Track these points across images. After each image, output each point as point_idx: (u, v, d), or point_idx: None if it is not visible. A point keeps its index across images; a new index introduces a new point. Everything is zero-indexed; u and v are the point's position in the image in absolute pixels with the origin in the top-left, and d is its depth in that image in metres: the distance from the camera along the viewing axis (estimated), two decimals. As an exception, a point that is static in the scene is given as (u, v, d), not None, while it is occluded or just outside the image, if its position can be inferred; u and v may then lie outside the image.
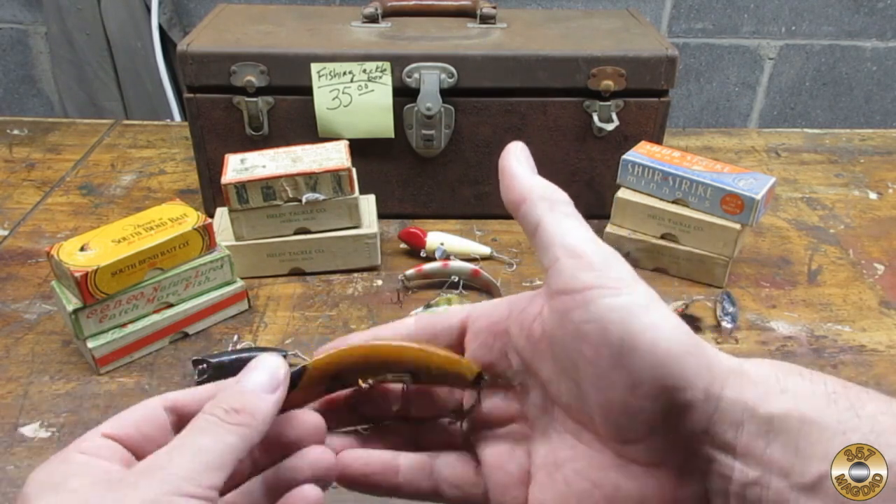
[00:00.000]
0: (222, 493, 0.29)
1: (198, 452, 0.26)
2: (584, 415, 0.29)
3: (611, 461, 0.29)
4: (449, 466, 0.34)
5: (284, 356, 0.32)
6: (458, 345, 0.34)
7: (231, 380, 0.30)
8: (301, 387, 0.31)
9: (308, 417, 0.32)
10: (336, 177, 0.70)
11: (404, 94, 0.78)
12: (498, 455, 0.33)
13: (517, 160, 0.32)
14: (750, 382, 0.27)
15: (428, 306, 0.69)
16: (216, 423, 0.27)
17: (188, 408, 0.30)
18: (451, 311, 0.34)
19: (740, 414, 0.26)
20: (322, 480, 0.31)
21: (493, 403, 0.33)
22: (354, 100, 0.77)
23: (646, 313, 0.27)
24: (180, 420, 0.30)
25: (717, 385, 0.26)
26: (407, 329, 0.34)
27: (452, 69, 0.77)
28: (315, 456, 0.31)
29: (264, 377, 0.29)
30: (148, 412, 0.30)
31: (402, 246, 0.79)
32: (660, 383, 0.26)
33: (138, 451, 0.29)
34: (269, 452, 0.31)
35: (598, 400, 0.28)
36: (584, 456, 0.29)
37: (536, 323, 0.30)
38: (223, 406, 0.28)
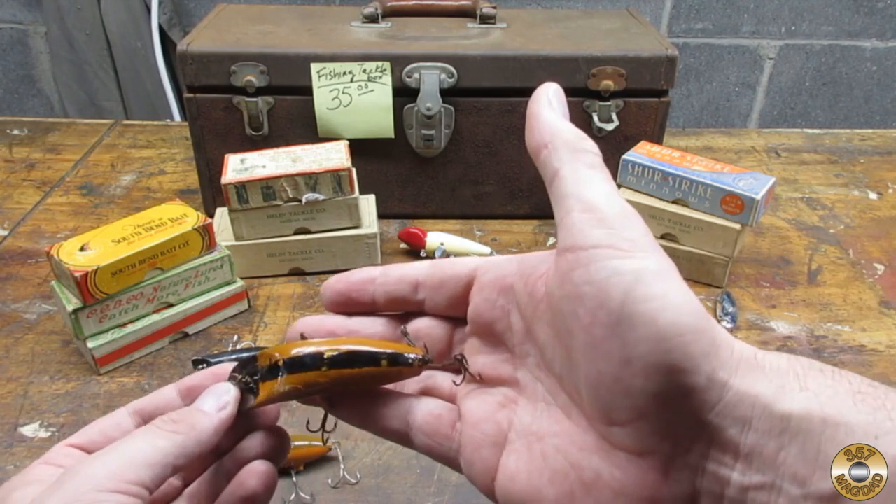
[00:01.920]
0: (187, 483, 0.33)
1: (124, 453, 0.28)
2: (574, 388, 0.27)
3: (595, 444, 0.26)
4: (427, 413, 0.32)
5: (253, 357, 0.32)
6: (463, 296, 0.32)
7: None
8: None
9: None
10: (336, 177, 0.70)
11: (404, 94, 0.78)
12: (480, 413, 0.31)
13: (548, 104, 0.29)
14: (764, 375, 0.24)
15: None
16: (151, 430, 0.29)
17: (149, 410, 0.32)
18: (461, 261, 0.33)
19: (749, 409, 0.23)
20: (273, 456, 0.33)
21: (488, 362, 0.32)
22: (354, 100, 0.77)
23: (654, 281, 0.24)
24: (144, 422, 0.31)
25: (725, 373, 0.23)
26: (418, 271, 0.33)
27: (452, 69, 0.77)
28: (266, 432, 0.33)
29: (211, 399, 0.31)
30: (115, 420, 0.32)
31: (402, 246, 0.79)
32: (657, 360, 0.23)
33: None
34: (228, 439, 0.33)
35: (587, 371, 0.25)
36: (568, 433, 0.27)
37: (541, 281, 0.28)
38: (164, 417, 0.30)
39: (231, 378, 0.32)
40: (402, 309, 0.34)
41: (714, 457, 0.24)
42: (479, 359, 0.32)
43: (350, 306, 0.34)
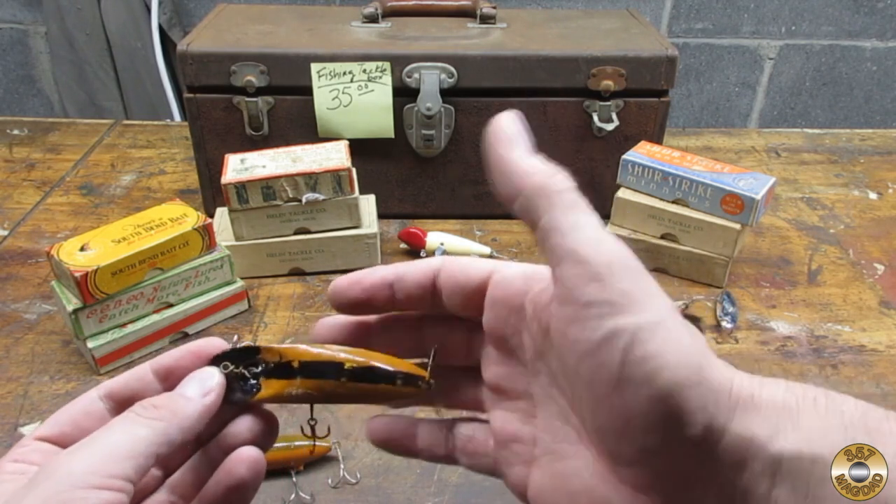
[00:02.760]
0: (167, 474, 0.31)
1: (104, 446, 0.26)
2: (581, 419, 0.28)
3: (604, 472, 0.27)
4: (464, 437, 0.34)
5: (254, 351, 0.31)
6: (478, 300, 0.32)
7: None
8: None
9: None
10: (336, 177, 0.70)
11: (404, 94, 0.78)
12: (508, 431, 0.32)
13: (508, 142, 0.28)
14: (760, 415, 0.24)
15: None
16: (129, 419, 0.28)
17: (124, 393, 0.30)
18: (475, 265, 0.32)
19: (745, 451, 0.24)
20: (261, 441, 0.31)
21: (504, 373, 0.32)
22: (354, 100, 0.77)
23: (651, 338, 0.24)
24: (119, 406, 0.30)
25: (722, 418, 0.24)
26: (430, 273, 0.32)
27: (452, 69, 0.77)
28: (252, 417, 0.31)
29: (195, 385, 0.30)
30: (84, 405, 0.30)
31: (402, 246, 0.79)
32: (656, 418, 0.24)
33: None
34: (212, 425, 0.31)
35: (590, 419, 0.26)
36: (583, 456, 0.28)
37: (545, 314, 0.28)
38: (144, 403, 0.28)
39: (222, 365, 0.31)
40: (417, 310, 0.34)
41: (713, 493, 0.25)
42: (496, 369, 0.32)
43: (364, 311, 0.33)
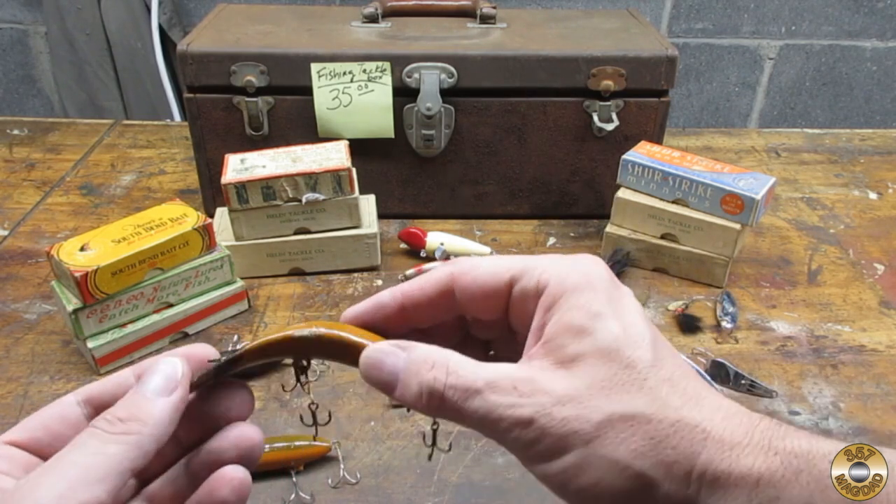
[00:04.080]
0: (146, 482, 0.30)
1: (71, 468, 0.25)
2: None
3: None
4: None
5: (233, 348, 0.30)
6: (502, 304, 0.32)
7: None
8: (239, 372, 0.30)
9: (235, 390, 0.30)
10: (336, 177, 0.70)
11: (404, 94, 0.78)
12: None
13: (376, 369, 0.29)
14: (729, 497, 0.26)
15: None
16: (97, 435, 0.26)
17: (104, 398, 0.29)
18: (490, 272, 0.31)
19: None
20: (247, 460, 0.30)
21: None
22: (354, 100, 0.77)
23: (577, 478, 0.26)
24: (97, 412, 0.28)
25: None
26: (443, 281, 0.32)
27: (452, 69, 0.77)
28: (239, 433, 0.30)
29: (159, 380, 0.28)
30: (59, 409, 0.29)
31: (402, 246, 0.79)
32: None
33: (47, 453, 0.27)
34: (193, 430, 0.30)
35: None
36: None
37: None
38: (107, 416, 0.27)
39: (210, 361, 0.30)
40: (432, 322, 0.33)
41: None
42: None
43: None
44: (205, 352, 0.30)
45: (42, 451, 0.28)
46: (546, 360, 0.28)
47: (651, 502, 0.26)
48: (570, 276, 0.29)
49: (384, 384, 0.29)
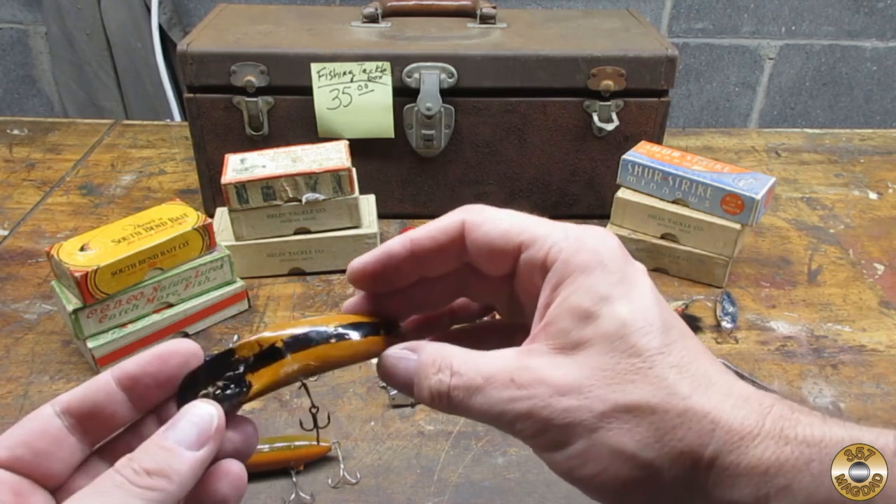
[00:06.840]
0: None
1: None
2: None
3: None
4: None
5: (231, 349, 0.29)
6: (511, 263, 0.31)
7: (160, 429, 0.26)
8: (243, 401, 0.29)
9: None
10: (336, 177, 0.70)
11: (404, 94, 0.78)
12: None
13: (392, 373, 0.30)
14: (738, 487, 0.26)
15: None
16: (123, 486, 0.25)
17: (84, 406, 0.27)
18: (501, 236, 0.30)
19: None
20: (243, 454, 0.29)
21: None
22: (354, 100, 0.77)
23: (583, 467, 0.27)
24: (78, 423, 0.27)
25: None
26: (454, 228, 0.31)
27: (452, 69, 0.77)
28: (232, 426, 0.29)
29: (191, 432, 0.26)
30: (38, 424, 0.27)
31: (402, 246, 0.79)
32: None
33: (33, 472, 0.27)
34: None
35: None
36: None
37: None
38: (134, 466, 0.25)
39: (201, 395, 0.28)
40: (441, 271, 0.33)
41: None
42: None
43: (385, 284, 0.32)
44: (189, 349, 0.29)
45: (27, 471, 0.27)
46: (548, 343, 0.27)
47: (658, 489, 0.26)
48: (579, 253, 0.28)
49: (403, 389, 0.30)
